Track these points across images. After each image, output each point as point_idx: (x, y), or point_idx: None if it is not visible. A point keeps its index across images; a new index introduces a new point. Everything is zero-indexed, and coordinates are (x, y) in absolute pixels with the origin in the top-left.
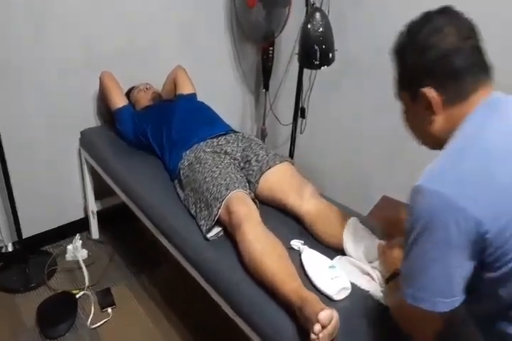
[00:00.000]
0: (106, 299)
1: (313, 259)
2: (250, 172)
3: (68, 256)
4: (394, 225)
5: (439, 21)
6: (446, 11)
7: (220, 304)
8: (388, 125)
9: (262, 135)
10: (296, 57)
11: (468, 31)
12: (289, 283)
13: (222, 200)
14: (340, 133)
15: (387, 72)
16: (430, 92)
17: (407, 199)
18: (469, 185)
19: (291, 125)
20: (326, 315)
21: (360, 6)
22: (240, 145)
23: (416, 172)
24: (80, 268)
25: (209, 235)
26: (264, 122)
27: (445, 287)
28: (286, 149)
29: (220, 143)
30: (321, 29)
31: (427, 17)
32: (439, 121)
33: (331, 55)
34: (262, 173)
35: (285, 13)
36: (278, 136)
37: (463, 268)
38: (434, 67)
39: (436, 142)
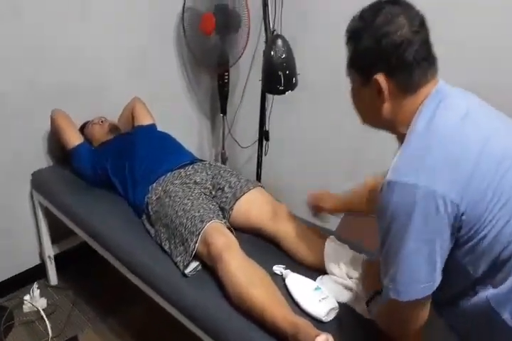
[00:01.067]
0: None
1: (297, 283)
2: (224, 199)
3: (26, 308)
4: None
5: (392, 11)
6: (397, 2)
7: None
8: (348, 143)
9: (223, 159)
10: (252, 81)
11: (419, 24)
12: (279, 311)
13: (199, 233)
14: (302, 153)
15: (341, 92)
16: (381, 80)
17: (378, 199)
18: (440, 172)
19: (250, 147)
20: (322, 339)
21: (310, 29)
22: (208, 173)
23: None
24: (41, 318)
25: (187, 271)
26: (223, 146)
27: (430, 273)
28: (248, 171)
29: (188, 173)
30: (283, 55)
31: (380, 6)
32: (387, 108)
33: (294, 79)
34: (236, 200)
35: (242, 40)
36: (238, 159)
37: (444, 250)
38: (388, 56)
39: (379, 124)
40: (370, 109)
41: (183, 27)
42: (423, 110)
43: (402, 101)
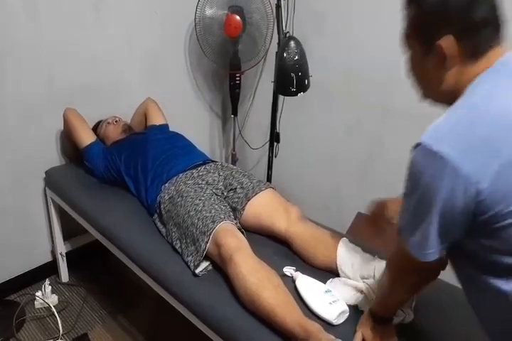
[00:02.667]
0: None
1: (308, 285)
2: (235, 199)
3: (38, 304)
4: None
5: None
6: None
7: None
8: (358, 145)
9: (233, 160)
10: (263, 83)
11: None
12: (290, 315)
13: (210, 234)
14: (312, 155)
15: (353, 93)
16: (449, 42)
17: (410, 157)
18: (476, 153)
19: (261, 149)
20: None
21: (322, 30)
22: (221, 174)
23: (389, 190)
24: (52, 315)
25: (197, 270)
26: (234, 147)
27: (434, 241)
28: (259, 173)
29: (200, 173)
30: (296, 57)
31: None
32: (450, 77)
33: (306, 81)
34: (248, 200)
35: (265, 43)
36: (248, 160)
37: (462, 219)
38: (457, 16)
39: (440, 97)
40: (433, 80)
41: (196, 29)
42: (485, 79)
43: (467, 67)
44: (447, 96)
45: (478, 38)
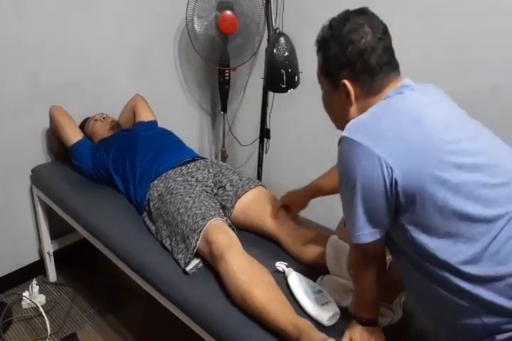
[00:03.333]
0: None
1: (300, 284)
2: (225, 197)
3: (25, 304)
4: None
5: (357, 21)
6: (363, 12)
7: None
8: None
9: (223, 157)
10: (253, 79)
11: (382, 31)
12: (281, 313)
13: (200, 231)
14: (302, 151)
15: None
16: (348, 84)
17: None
18: (385, 139)
19: (251, 145)
20: None
21: (312, 26)
22: (210, 171)
23: None
24: (40, 315)
25: (188, 268)
26: (223, 144)
27: (363, 223)
28: (249, 169)
29: (190, 170)
30: (286, 53)
31: (347, 16)
32: (353, 110)
33: (296, 78)
34: (238, 198)
35: (255, 39)
36: (238, 157)
37: (384, 205)
38: (353, 62)
39: None
40: (340, 113)
41: (187, 26)
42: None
43: (368, 102)
44: None
45: (374, 78)
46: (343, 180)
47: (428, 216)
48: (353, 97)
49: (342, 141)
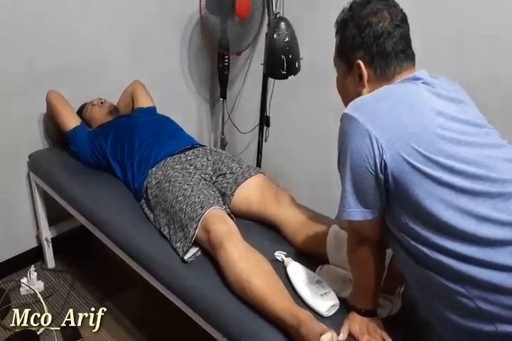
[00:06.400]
0: (71, 332)
1: (299, 274)
2: (225, 184)
3: (23, 290)
4: None
5: (377, 6)
6: None
7: (206, 329)
8: None
9: (222, 144)
10: (254, 66)
11: (400, 19)
12: (281, 303)
13: (199, 220)
14: (302, 138)
15: None
16: (362, 65)
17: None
18: (381, 120)
19: (250, 133)
20: (327, 338)
21: (311, 10)
22: (209, 159)
23: None
24: (38, 301)
25: (186, 257)
26: (223, 131)
27: (351, 199)
28: (248, 157)
29: (188, 157)
30: (286, 39)
31: (368, 0)
32: (365, 93)
33: (297, 64)
34: (238, 185)
35: (256, 25)
36: (238, 145)
37: (372, 185)
38: (368, 44)
39: None
40: (352, 96)
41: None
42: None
43: (379, 87)
44: None
45: (388, 64)
46: (339, 155)
47: (417, 202)
48: (365, 79)
49: (342, 117)
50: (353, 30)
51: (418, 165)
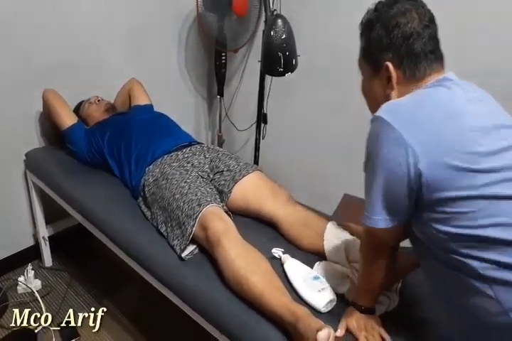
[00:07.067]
0: (68, 330)
1: (296, 270)
2: (222, 182)
3: (20, 289)
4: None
5: (405, 6)
6: None
7: (204, 326)
8: (346, 124)
9: (219, 142)
10: (251, 63)
11: (428, 19)
12: (278, 299)
13: (196, 217)
14: (299, 135)
15: (339, 70)
16: (390, 67)
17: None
18: (417, 127)
19: (247, 131)
20: (325, 334)
21: (308, 7)
22: (207, 156)
23: None
24: (36, 300)
25: (184, 254)
26: (220, 129)
27: (380, 208)
28: (246, 154)
29: (185, 155)
30: (283, 36)
31: (394, 0)
32: (394, 96)
33: (294, 61)
34: (235, 183)
35: (254, 22)
36: (235, 142)
37: (404, 193)
38: (397, 46)
39: None
40: (380, 99)
41: (197, 7)
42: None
43: (409, 89)
44: None
45: (417, 65)
46: (368, 160)
47: (452, 211)
48: (394, 81)
49: (374, 120)
50: (380, 31)
51: (455, 173)
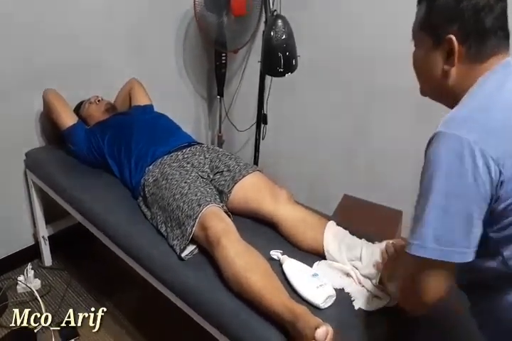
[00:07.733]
0: (68, 330)
1: (295, 269)
2: (222, 182)
3: (20, 288)
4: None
5: None
6: None
7: (204, 326)
8: (347, 124)
9: (219, 142)
10: (251, 63)
11: None
12: (277, 298)
13: (196, 217)
14: (299, 136)
15: (339, 71)
16: (454, 41)
17: (426, 150)
18: (495, 135)
19: (247, 131)
20: (323, 332)
21: (308, 7)
22: (206, 156)
23: (375, 171)
24: (35, 299)
25: (183, 254)
26: (220, 129)
27: (461, 236)
28: (246, 155)
29: (185, 155)
30: (284, 36)
31: None
32: (453, 74)
33: (294, 61)
34: (235, 183)
35: (254, 23)
36: (235, 142)
37: (479, 217)
38: (466, 18)
39: (442, 93)
40: (435, 75)
41: (195, 6)
42: (493, 75)
43: (470, 68)
44: (444, 95)
45: (485, 42)
46: (425, 180)
47: None
48: (456, 58)
49: (438, 136)
50: (447, 1)
51: None
